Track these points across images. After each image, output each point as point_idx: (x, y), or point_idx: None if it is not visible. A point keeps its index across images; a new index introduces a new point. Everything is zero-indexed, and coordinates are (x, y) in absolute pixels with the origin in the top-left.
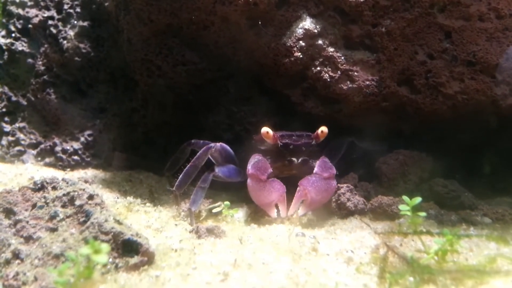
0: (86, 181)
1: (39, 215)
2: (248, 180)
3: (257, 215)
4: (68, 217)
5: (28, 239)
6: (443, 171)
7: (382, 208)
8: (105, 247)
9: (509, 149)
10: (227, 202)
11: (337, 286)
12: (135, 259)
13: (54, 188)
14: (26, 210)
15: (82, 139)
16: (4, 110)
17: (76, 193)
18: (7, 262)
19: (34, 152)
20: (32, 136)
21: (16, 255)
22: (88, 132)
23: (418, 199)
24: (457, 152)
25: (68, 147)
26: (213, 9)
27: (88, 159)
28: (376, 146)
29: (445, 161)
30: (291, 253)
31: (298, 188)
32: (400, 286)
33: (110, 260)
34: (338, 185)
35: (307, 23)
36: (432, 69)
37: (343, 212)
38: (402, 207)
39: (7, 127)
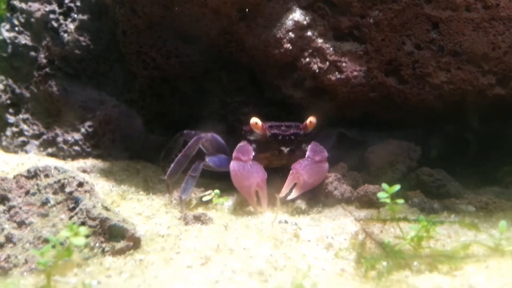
0: (84, 171)
1: (31, 202)
2: (231, 163)
3: (247, 203)
4: (58, 203)
5: (21, 224)
6: (436, 160)
7: (367, 197)
8: (83, 230)
9: (500, 138)
10: (217, 191)
11: (310, 269)
12: (121, 244)
13: (46, 175)
14: (20, 196)
15: (83, 130)
16: (8, 102)
17: (66, 180)
18: (1, 246)
19: (37, 142)
20: (35, 127)
21: (9, 239)
22: (88, 123)
23: (397, 187)
24: (449, 142)
25: (69, 138)
26: (204, 1)
27: (89, 149)
28: (365, 136)
29: (436, 150)
30: (273, 239)
31: (291, 171)
32: (376, 270)
33: (97, 244)
34: (327, 174)
35: (297, 15)
36: (419, 59)
37: (330, 200)
38: (380, 194)
39: (11, 118)
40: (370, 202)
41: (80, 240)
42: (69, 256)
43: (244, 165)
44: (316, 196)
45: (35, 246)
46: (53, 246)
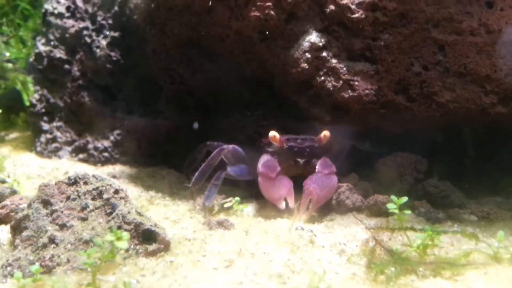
0: (114, 176)
1: (72, 206)
2: (259, 179)
3: (265, 210)
4: (96, 208)
5: (63, 226)
6: (447, 173)
7: (377, 206)
8: (126, 235)
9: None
10: (237, 198)
11: (325, 273)
12: (153, 246)
13: (85, 183)
14: (61, 201)
15: (112, 137)
16: (43, 110)
17: (104, 187)
18: (44, 246)
19: (69, 148)
20: (67, 134)
21: (52, 240)
22: (117, 131)
23: (404, 199)
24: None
25: (99, 145)
26: (228, 23)
27: (117, 156)
28: (376, 149)
29: (449, 163)
30: (290, 244)
31: (303, 189)
32: (385, 275)
33: (132, 246)
34: (339, 184)
35: (313, 37)
36: (426, 79)
37: (342, 209)
38: (389, 205)
39: (46, 126)
40: (379, 211)
41: (123, 244)
42: (112, 258)
43: (273, 181)
44: (329, 205)
45: (76, 247)
46: (99, 248)
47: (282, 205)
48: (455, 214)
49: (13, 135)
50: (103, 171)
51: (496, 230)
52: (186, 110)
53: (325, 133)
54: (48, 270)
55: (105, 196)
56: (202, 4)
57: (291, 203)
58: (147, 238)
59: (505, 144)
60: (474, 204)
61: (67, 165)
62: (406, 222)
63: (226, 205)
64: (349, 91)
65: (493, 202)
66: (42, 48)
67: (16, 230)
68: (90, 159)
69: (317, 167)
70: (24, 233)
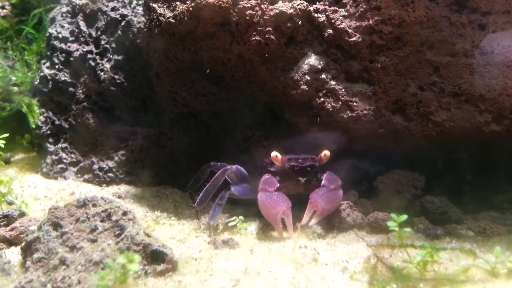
0: (119, 196)
1: (81, 228)
2: (258, 195)
3: (268, 228)
4: (106, 230)
5: (73, 248)
6: (443, 188)
7: (377, 223)
8: (137, 257)
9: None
10: (241, 217)
11: None
12: (161, 267)
13: (94, 205)
14: (71, 223)
15: (116, 158)
16: (48, 132)
17: (112, 209)
18: (55, 268)
19: (75, 169)
20: (73, 155)
21: (62, 261)
22: (121, 152)
23: (404, 217)
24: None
25: (104, 165)
26: (229, 48)
27: (121, 176)
28: (374, 167)
29: (443, 180)
30: (295, 262)
31: (309, 201)
32: None
33: (141, 267)
34: (340, 202)
35: (312, 60)
36: (422, 99)
37: (344, 226)
38: (390, 223)
39: (51, 147)
40: (379, 228)
41: (135, 266)
42: (125, 280)
43: (271, 195)
44: (330, 222)
45: (87, 268)
46: (110, 270)
47: (280, 228)
48: (452, 229)
49: (19, 156)
50: (109, 191)
51: (492, 245)
52: (188, 130)
53: (326, 152)
54: None
55: (113, 218)
56: (204, 30)
57: (290, 229)
58: (155, 258)
59: (499, 161)
60: (470, 219)
61: (73, 186)
62: (405, 239)
63: (230, 224)
64: (348, 111)
65: (489, 217)
66: (47, 71)
67: (27, 252)
68: (95, 180)
69: (323, 181)
70: (35, 255)
